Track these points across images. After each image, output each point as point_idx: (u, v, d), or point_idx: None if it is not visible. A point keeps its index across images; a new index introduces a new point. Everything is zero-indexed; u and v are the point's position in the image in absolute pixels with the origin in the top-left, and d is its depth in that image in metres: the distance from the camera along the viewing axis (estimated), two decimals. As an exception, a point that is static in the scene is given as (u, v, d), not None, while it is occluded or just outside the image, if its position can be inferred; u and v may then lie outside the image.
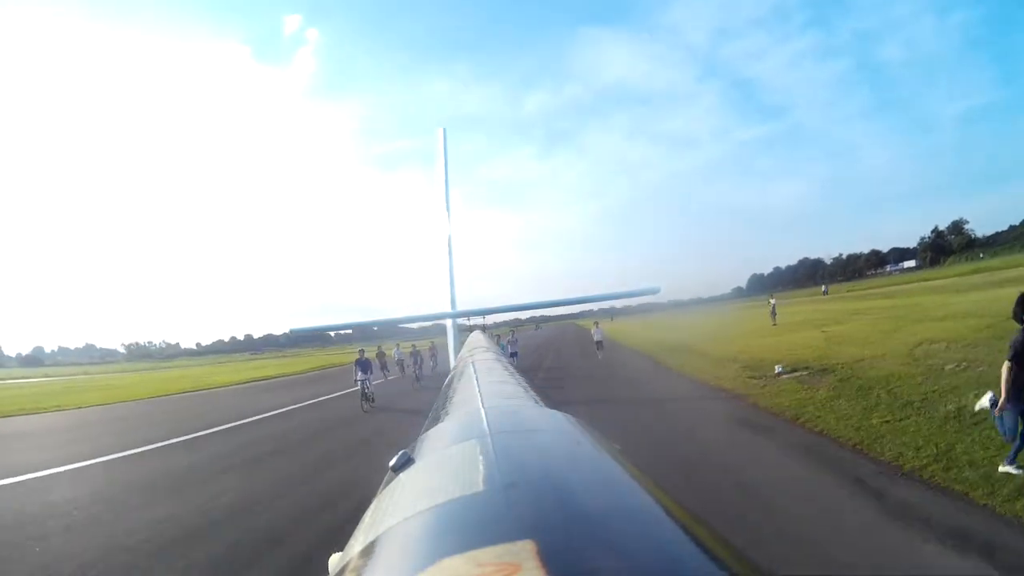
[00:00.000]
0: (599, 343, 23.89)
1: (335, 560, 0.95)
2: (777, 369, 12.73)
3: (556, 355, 28.78)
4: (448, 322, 6.25)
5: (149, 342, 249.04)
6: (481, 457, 0.76)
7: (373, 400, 15.28)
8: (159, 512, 6.68)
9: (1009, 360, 5.00)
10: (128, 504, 7.20)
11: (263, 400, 19.91)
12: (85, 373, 71.32)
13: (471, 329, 8.62)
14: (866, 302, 36.26)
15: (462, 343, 6.02)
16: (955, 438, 6.36)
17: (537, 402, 1.47)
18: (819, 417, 8.33)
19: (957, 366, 9.86)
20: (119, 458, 10.40)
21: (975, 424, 6.62)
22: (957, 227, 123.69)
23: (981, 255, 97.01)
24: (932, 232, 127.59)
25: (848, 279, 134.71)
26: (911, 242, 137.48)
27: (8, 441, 13.80)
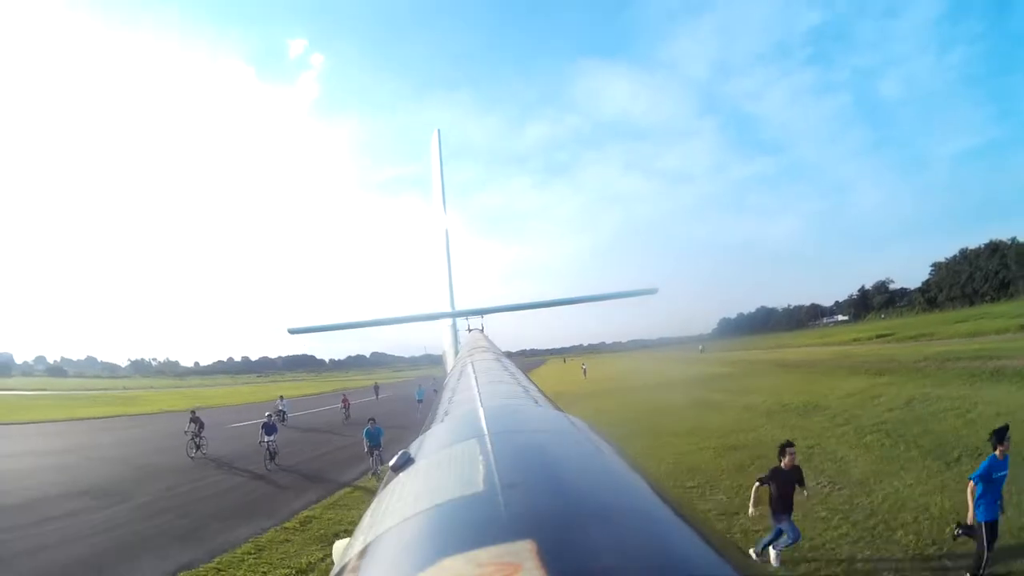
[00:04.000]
0: None
1: (339, 547, 1.02)
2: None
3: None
4: (447, 322, 6.15)
5: (154, 359, 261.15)
6: (481, 457, 0.76)
7: (277, 454, 16.42)
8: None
9: (761, 482, 6.85)
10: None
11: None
12: (151, 387, 76.09)
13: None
14: (695, 367, 51.53)
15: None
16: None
17: (536, 402, 1.47)
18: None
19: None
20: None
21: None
22: (882, 285, 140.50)
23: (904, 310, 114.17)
24: (859, 290, 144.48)
25: (791, 329, 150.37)
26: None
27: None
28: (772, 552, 7.05)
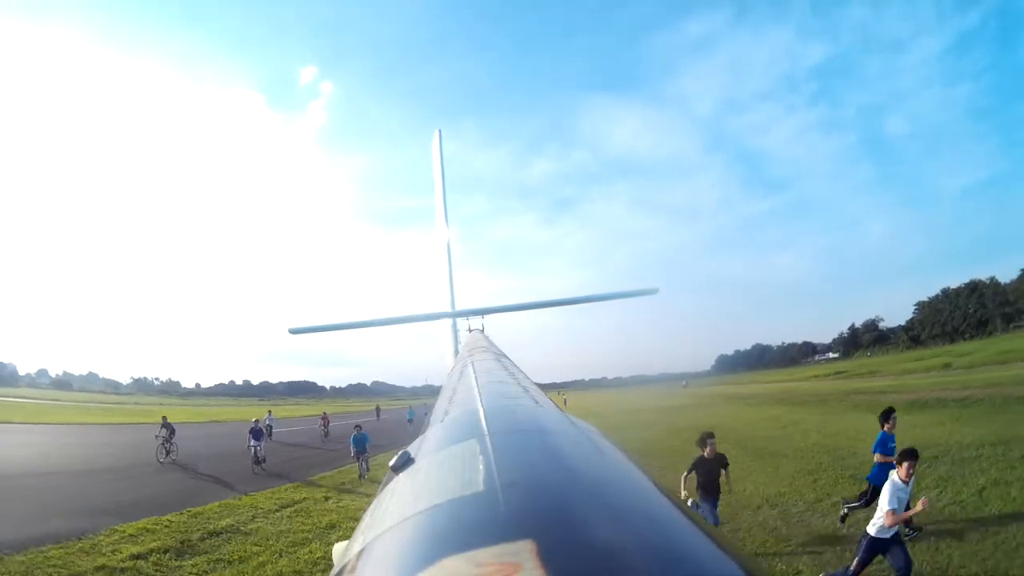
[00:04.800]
0: None
1: (338, 549, 1.04)
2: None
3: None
4: (448, 322, 6.10)
5: (156, 378, 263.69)
6: (481, 457, 0.76)
7: (264, 460, 17.92)
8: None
9: (689, 471, 7.48)
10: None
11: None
12: (160, 403, 73.76)
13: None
14: (665, 400, 54.58)
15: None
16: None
17: (536, 402, 1.47)
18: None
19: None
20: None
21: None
22: (872, 324, 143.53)
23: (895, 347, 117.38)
24: (849, 328, 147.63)
25: (784, 366, 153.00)
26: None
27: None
28: None
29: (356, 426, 17.34)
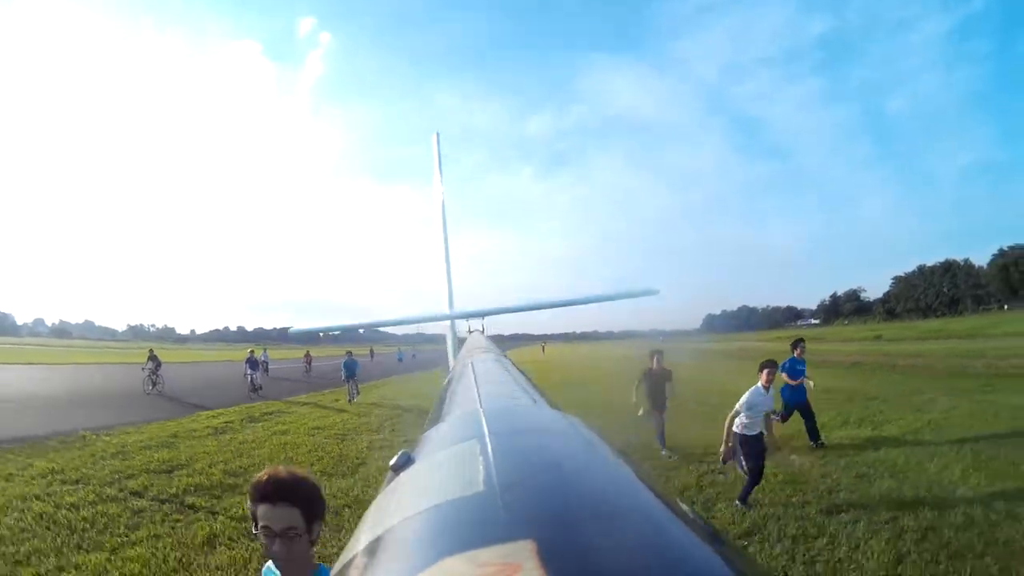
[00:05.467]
0: None
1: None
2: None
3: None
4: (447, 323, 6.03)
5: (152, 325, 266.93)
6: (481, 457, 0.76)
7: (260, 388, 19.86)
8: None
9: (639, 381, 8.25)
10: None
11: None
12: (163, 348, 79.05)
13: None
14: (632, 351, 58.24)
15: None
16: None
17: (536, 402, 1.46)
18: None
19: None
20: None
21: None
22: (853, 294, 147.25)
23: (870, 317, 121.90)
24: (830, 297, 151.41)
25: (769, 328, 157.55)
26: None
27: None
28: (663, 452, 8.23)
29: (347, 352, 18.54)
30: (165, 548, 5.16)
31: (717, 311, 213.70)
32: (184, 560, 4.93)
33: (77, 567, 4.78)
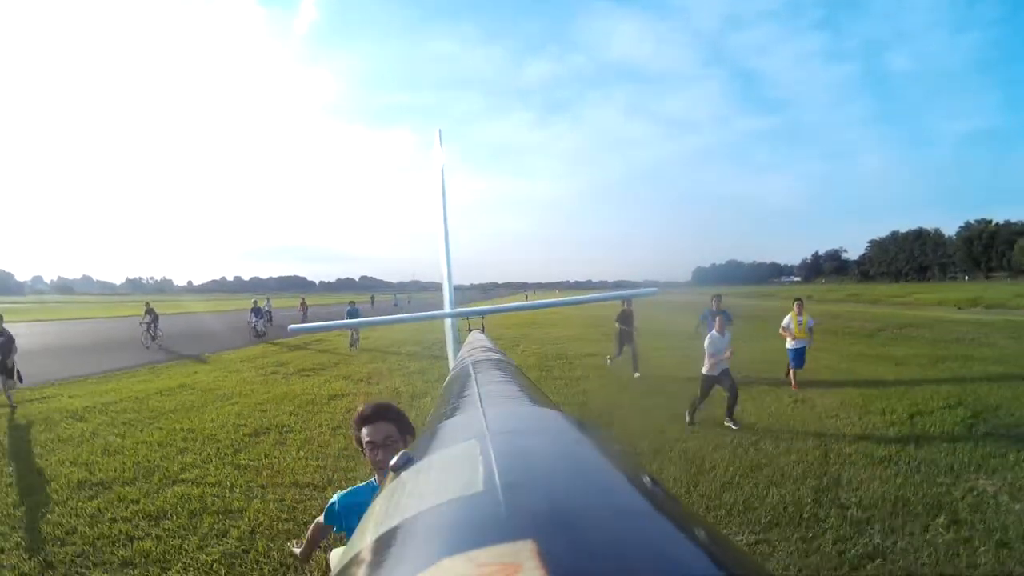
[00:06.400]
0: None
1: (336, 556, 1.03)
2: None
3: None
4: (447, 322, 6.20)
5: (151, 278, 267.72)
6: (481, 457, 0.75)
7: (264, 334, 21.10)
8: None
9: (616, 322, 10.71)
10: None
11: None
12: (163, 299, 78.98)
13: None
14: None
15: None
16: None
17: (537, 402, 1.44)
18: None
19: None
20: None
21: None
22: (835, 253, 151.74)
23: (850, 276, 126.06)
24: (812, 255, 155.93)
25: (756, 283, 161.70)
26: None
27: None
28: (636, 374, 10.43)
29: (350, 301, 20.18)
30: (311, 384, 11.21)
31: (707, 264, 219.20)
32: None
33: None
